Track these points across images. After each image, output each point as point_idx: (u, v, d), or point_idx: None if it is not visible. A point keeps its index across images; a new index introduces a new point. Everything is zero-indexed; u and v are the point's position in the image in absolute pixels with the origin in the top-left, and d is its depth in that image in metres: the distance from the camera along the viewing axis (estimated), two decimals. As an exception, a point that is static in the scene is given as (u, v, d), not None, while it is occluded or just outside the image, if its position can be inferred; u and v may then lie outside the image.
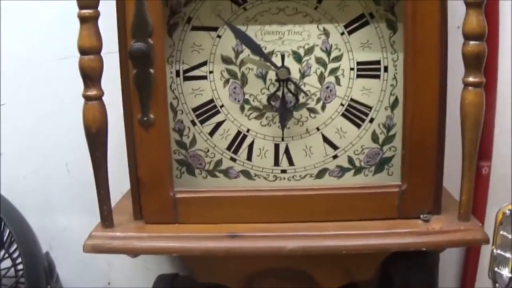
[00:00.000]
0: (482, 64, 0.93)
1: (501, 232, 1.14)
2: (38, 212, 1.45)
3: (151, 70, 0.95)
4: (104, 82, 0.94)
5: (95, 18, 0.92)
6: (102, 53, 0.93)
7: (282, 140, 1.06)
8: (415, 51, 0.96)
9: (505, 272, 1.14)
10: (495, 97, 1.35)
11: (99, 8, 0.91)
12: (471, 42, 0.92)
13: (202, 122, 1.06)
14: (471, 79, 0.94)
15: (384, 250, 1.01)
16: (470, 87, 0.94)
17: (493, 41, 1.30)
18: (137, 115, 0.98)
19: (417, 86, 0.97)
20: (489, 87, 1.31)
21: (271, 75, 1.03)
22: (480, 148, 1.23)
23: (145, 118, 0.98)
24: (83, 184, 1.32)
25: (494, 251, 1.13)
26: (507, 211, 1.16)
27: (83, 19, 0.91)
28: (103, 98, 0.95)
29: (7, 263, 1.30)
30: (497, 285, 1.15)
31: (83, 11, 0.91)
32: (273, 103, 1.04)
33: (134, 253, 1.04)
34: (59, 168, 1.45)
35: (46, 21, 1.35)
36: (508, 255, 1.13)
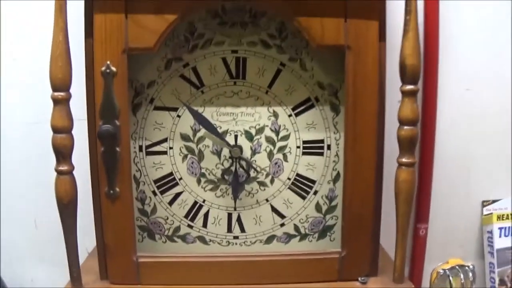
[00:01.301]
0: (415, 146, 1.04)
1: (435, 290, 1.20)
2: (6, 263, 1.49)
3: (117, 149, 1.03)
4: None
5: (66, 100, 1.00)
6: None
7: (235, 209, 1.15)
8: (354, 134, 1.05)
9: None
10: (432, 167, 1.47)
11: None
12: (405, 127, 1.03)
13: (162, 192, 1.14)
14: (404, 159, 1.04)
15: (325, 310, 1.08)
16: (403, 167, 1.05)
17: (431, 122, 1.44)
18: (104, 188, 1.05)
19: (355, 165, 1.07)
20: (427, 159, 1.46)
21: (225, 152, 1.12)
22: (417, 211, 1.37)
23: (111, 191, 1.05)
24: (51, 239, 1.38)
25: (430, 308, 1.20)
26: (441, 271, 1.26)
27: (55, 101, 0.99)
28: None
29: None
30: None
31: (56, 93, 0.99)
32: (226, 177, 1.13)
33: (100, 311, 1.08)
34: (28, 223, 1.49)
35: (18, 85, 1.40)
36: (441, 311, 1.19)
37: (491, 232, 1.50)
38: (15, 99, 1.40)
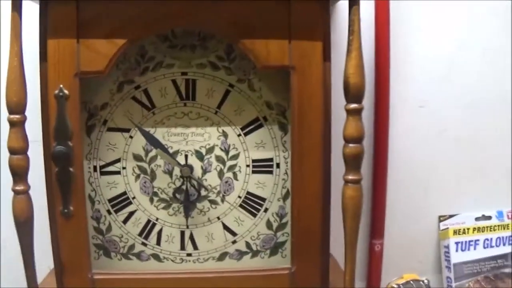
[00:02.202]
0: (360, 163, 1.07)
1: (389, 306, 1.23)
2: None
3: (71, 169, 1.06)
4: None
5: (22, 122, 1.02)
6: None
7: (187, 227, 1.17)
8: (300, 152, 1.08)
9: None
10: (386, 183, 1.50)
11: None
12: (350, 144, 1.06)
13: (116, 211, 1.17)
14: (350, 176, 1.07)
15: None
16: (349, 184, 1.07)
17: (383, 138, 1.48)
18: (58, 207, 1.07)
19: (302, 182, 1.09)
20: (381, 175, 1.49)
21: (177, 171, 1.15)
22: (372, 227, 1.39)
23: (65, 210, 1.07)
24: (14, 259, 1.32)
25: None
26: (395, 286, 1.28)
27: (12, 123, 1.02)
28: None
29: None
30: None
31: (12, 116, 1.02)
32: (178, 196, 1.16)
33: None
34: None
35: None
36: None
37: (447, 246, 1.54)
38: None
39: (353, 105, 1.05)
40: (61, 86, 1.04)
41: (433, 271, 1.58)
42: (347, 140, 1.06)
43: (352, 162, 1.07)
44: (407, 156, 1.52)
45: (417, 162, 1.53)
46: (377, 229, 1.50)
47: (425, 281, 1.28)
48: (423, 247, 1.57)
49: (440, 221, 1.55)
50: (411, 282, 1.28)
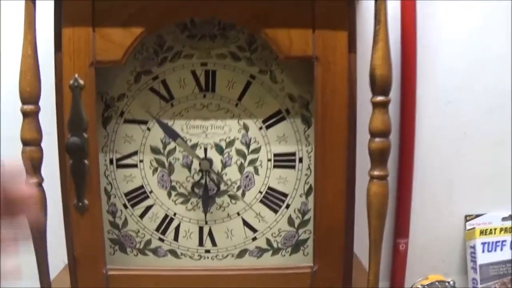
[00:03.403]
0: (387, 158, 1.03)
1: (414, 307, 1.19)
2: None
3: (86, 161, 1.03)
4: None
5: (35, 113, 1.00)
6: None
7: (206, 223, 1.14)
8: (324, 147, 1.05)
9: None
10: (411, 180, 1.45)
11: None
12: (376, 139, 1.02)
13: (133, 205, 1.14)
14: (376, 172, 1.03)
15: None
16: (375, 180, 1.03)
17: (410, 133, 1.43)
18: (73, 200, 1.04)
19: (326, 178, 1.06)
20: (406, 171, 1.45)
21: (196, 165, 1.12)
22: (397, 225, 1.35)
23: (80, 204, 1.05)
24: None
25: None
26: (419, 287, 1.23)
27: (25, 114, 1.00)
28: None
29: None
30: None
31: (25, 106, 1.00)
32: (197, 190, 1.12)
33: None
34: None
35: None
36: (421, 328, 1.18)
37: (474, 247, 1.49)
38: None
39: (379, 98, 1.02)
40: (76, 76, 1.02)
41: (458, 272, 1.53)
42: (373, 134, 1.02)
43: (378, 157, 1.04)
44: (433, 152, 1.48)
45: (443, 159, 1.49)
46: (402, 227, 1.46)
47: (451, 283, 1.24)
48: (448, 247, 1.53)
49: (466, 220, 1.51)
50: (437, 283, 1.24)
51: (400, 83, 1.41)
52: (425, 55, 1.44)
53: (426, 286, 1.23)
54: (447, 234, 1.53)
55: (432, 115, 1.46)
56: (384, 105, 1.02)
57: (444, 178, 1.50)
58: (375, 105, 1.02)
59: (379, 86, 1.01)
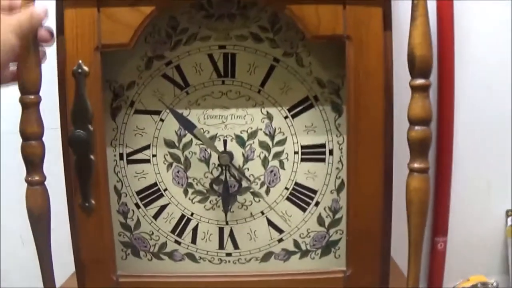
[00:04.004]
0: (428, 149, 0.93)
1: (455, 310, 1.11)
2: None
3: (92, 157, 0.95)
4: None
5: (36, 103, 0.92)
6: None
7: (226, 223, 1.05)
8: (357, 137, 0.95)
9: None
10: (451, 173, 1.36)
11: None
12: (416, 127, 0.92)
13: (146, 205, 1.05)
14: (416, 165, 0.93)
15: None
16: (415, 173, 0.93)
17: (448, 123, 1.33)
18: (78, 200, 0.96)
19: (360, 172, 0.96)
20: (445, 164, 1.35)
21: (214, 159, 1.02)
22: (435, 223, 1.26)
23: (86, 204, 0.97)
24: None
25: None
26: None
27: (24, 105, 0.91)
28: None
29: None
30: None
31: (24, 96, 0.91)
32: (216, 188, 1.04)
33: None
34: (13, 239, 1.44)
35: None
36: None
37: (516, 244, 1.34)
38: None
39: (419, 81, 0.91)
40: (80, 61, 0.93)
41: (499, 271, 1.44)
42: (413, 122, 0.92)
43: (418, 148, 0.93)
44: (470, 144, 1.39)
45: (481, 151, 1.40)
46: (440, 225, 1.37)
47: (494, 284, 1.18)
48: (487, 246, 1.44)
49: (507, 216, 1.41)
50: (479, 285, 1.18)
51: (437, 67, 1.31)
52: (462, 37, 1.35)
53: (468, 289, 1.11)
54: (486, 231, 1.44)
55: (470, 102, 1.38)
56: (424, 89, 0.91)
57: (483, 171, 1.41)
58: (415, 89, 0.92)
59: (419, 67, 0.91)
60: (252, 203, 1.05)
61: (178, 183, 1.05)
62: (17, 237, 1.43)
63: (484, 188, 1.41)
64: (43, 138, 0.92)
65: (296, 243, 1.06)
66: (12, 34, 0.84)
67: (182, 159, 1.04)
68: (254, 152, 1.04)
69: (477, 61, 1.35)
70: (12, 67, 0.91)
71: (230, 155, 1.02)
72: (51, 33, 0.92)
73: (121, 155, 1.04)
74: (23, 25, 0.86)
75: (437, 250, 1.38)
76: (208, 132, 1.02)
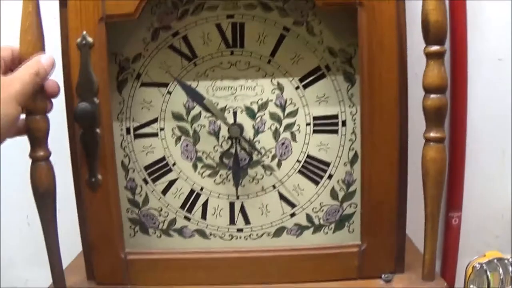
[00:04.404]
0: (444, 118, 0.91)
1: (471, 287, 1.12)
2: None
3: (98, 130, 0.93)
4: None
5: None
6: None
7: (237, 198, 1.03)
8: (371, 107, 0.93)
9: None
10: (465, 146, 1.32)
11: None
12: (432, 95, 0.90)
13: (154, 180, 1.03)
14: (432, 134, 0.91)
15: (343, 312, 0.95)
16: (431, 143, 0.91)
17: (462, 91, 1.30)
18: (84, 176, 0.94)
19: (374, 143, 0.94)
20: (458, 136, 1.32)
21: (224, 131, 1.00)
22: (449, 198, 1.23)
23: (92, 179, 0.94)
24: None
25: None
26: (477, 265, 1.13)
27: None
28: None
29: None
30: None
31: None
32: (226, 161, 1.01)
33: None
34: (20, 221, 1.42)
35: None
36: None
37: (532, 219, 1.31)
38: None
39: (434, 47, 0.89)
40: (84, 33, 0.91)
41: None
42: (428, 90, 0.90)
43: (434, 117, 0.91)
44: (484, 116, 1.35)
45: (494, 124, 1.37)
46: (455, 199, 1.33)
47: (510, 260, 1.14)
48: (502, 221, 1.41)
49: (523, 189, 1.33)
50: (495, 261, 1.14)
51: (450, 37, 1.27)
52: (474, 8, 1.30)
53: (483, 265, 1.13)
54: (501, 205, 1.40)
55: (483, 73, 1.34)
56: (439, 56, 0.89)
57: (496, 144, 1.38)
58: (430, 56, 0.89)
59: (434, 34, 0.88)
60: (263, 176, 1.03)
61: (187, 157, 1.03)
62: (24, 218, 1.42)
63: (499, 159, 1.37)
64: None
65: (309, 218, 1.04)
66: (14, 103, 0.81)
67: (191, 132, 1.02)
68: (264, 124, 1.01)
69: (490, 30, 1.31)
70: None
71: (240, 127, 0.99)
72: (58, 86, 0.89)
73: (128, 129, 1.02)
74: (26, 91, 0.83)
75: (452, 226, 1.35)
76: (217, 104, 0.99)
